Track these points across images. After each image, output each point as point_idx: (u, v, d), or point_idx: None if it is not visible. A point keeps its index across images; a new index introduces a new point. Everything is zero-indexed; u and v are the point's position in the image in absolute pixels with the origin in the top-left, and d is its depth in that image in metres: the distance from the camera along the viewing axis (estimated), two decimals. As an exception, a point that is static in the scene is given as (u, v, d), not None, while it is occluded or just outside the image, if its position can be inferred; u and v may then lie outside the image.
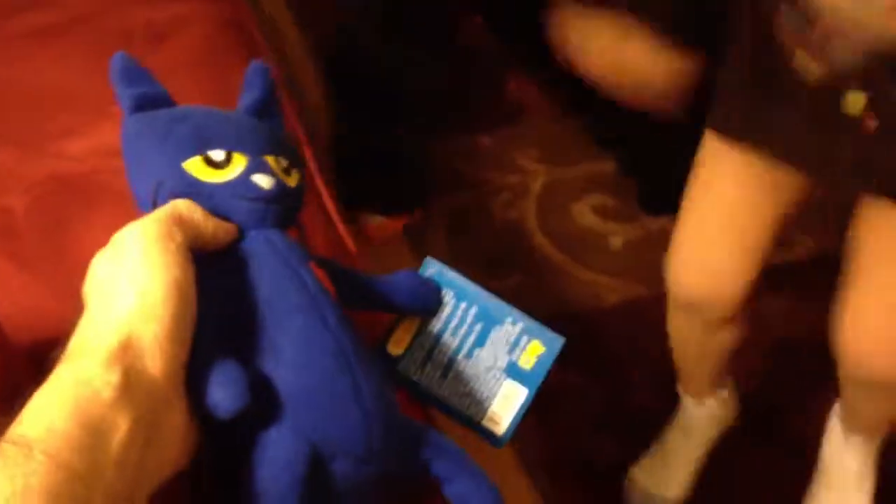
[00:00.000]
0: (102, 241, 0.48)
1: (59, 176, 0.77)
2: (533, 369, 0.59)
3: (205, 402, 0.44)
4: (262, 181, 0.53)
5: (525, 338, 0.59)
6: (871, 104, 0.94)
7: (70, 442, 0.37)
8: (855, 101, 0.95)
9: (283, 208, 0.54)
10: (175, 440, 0.43)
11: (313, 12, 1.66)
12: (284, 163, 0.56)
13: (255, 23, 1.19)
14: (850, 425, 1.32)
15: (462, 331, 0.59)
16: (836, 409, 1.35)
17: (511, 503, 0.53)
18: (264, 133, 0.56)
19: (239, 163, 0.53)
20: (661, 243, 2.00)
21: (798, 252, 1.91)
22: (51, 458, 0.35)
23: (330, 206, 0.89)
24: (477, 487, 0.53)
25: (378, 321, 0.60)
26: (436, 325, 0.59)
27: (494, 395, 0.59)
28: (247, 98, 0.60)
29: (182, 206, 0.49)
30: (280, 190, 0.54)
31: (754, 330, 1.32)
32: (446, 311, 0.59)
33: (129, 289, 0.43)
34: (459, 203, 2.07)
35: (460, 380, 0.59)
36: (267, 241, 0.52)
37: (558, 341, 0.60)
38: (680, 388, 1.46)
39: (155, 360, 0.42)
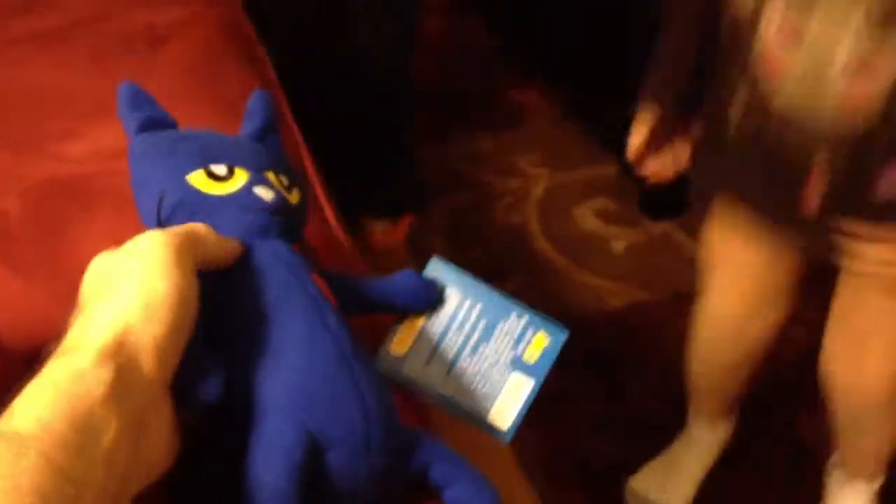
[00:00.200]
0: (99, 245, 0.48)
1: (56, 178, 0.76)
2: (538, 362, 0.59)
3: (188, 393, 0.45)
4: (264, 193, 0.55)
5: (530, 331, 0.60)
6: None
7: (61, 439, 0.36)
8: None
9: (286, 220, 0.56)
10: (161, 443, 0.43)
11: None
12: (285, 180, 0.58)
13: (253, 26, 1.19)
14: (849, 471, 1.35)
15: (466, 328, 0.60)
16: (835, 458, 1.39)
17: (510, 506, 0.53)
18: (265, 153, 0.59)
19: (241, 177, 0.55)
20: (663, 247, 2.01)
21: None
22: (42, 456, 0.35)
23: (331, 216, 0.89)
24: (476, 492, 0.53)
25: (380, 324, 0.60)
26: (440, 323, 0.60)
27: (500, 390, 0.59)
28: (248, 125, 0.63)
29: (199, 227, 0.50)
30: (281, 202, 0.56)
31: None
32: (451, 308, 0.60)
33: (135, 288, 0.43)
34: (461, 206, 2.07)
35: (465, 377, 0.59)
36: (274, 251, 0.53)
37: (563, 333, 0.60)
38: (691, 411, 1.49)
39: (150, 362, 0.42)
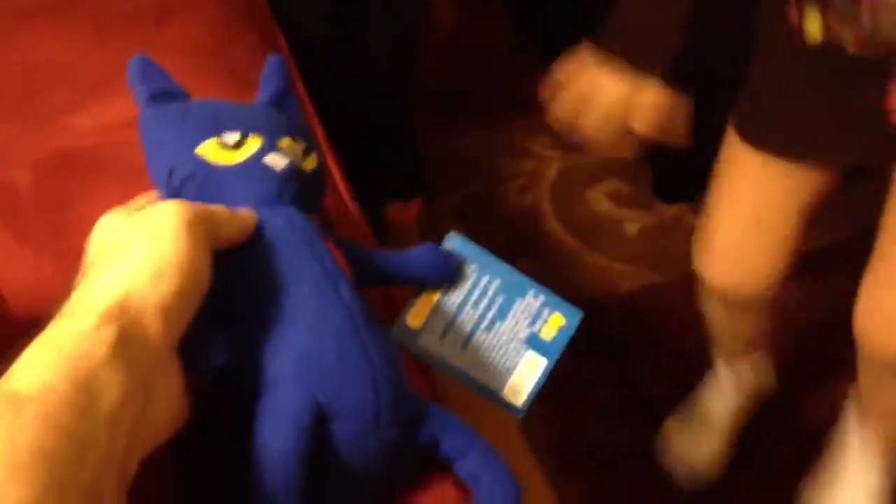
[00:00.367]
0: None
1: (63, 151, 0.76)
2: (553, 341, 0.60)
3: (194, 358, 0.45)
4: (276, 161, 0.54)
5: (547, 310, 0.60)
6: None
7: (63, 399, 0.36)
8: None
9: (300, 187, 0.55)
10: (169, 406, 0.43)
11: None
12: (302, 146, 0.57)
13: (265, 1, 1.18)
14: (865, 413, 1.32)
15: (483, 303, 0.60)
16: (852, 396, 1.35)
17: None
18: (281, 119, 0.58)
19: (253, 144, 0.54)
20: (675, 230, 2.00)
21: (811, 241, 1.89)
22: (42, 416, 0.34)
23: (343, 190, 0.88)
24: (488, 464, 0.52)
25: (396, 298, 0.60)
26: (457, 297, 0.60)
27: (515, 367, 0.59)
28: (264, 92, 0.62)
29: (216, 208, 0.50)
30: (294, 170, 0.55)
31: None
32: (468, 283, 0.60)
33: (144, 251, 0.43)
34: (473, 189, 2.06)
35: (481, 351, 0.59)
36: (287, 219, 0.53)
37: (578, 314, 0.61)
38: (713, 353, 1.48)
39: (155, 324, 0.41)
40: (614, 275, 1.85)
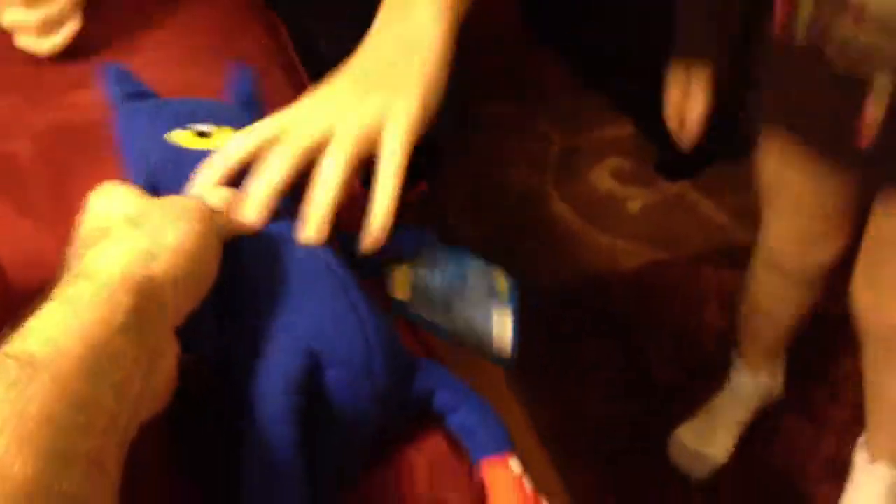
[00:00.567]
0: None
1: (65, 124, 0.76)
2: (508, 292, 0.64)
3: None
4: None
5: (489, 268, 0.65)
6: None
7: (77, 364, 0.35)
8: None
9: None
10: (165, 382, 0.43)
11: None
12: None
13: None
14: (875, 447, 1.35)
15: (448, 270, 0.63)
16: (862, 438, 1.39)
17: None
18: (253, 118, 0.59)
19: (226, 134, 0.57)
20: (678, 207, 2.00)
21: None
22: (54, 383, 0.34)
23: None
24: (482, 419, 0.53)
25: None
26: (424, 268, 0.62)
27: (491, 321, 0.62)
28: (235, 96, 0.66)
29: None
30: None
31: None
32: (425, 255, 0.63)
33: (171, 231, 0.44)
34: (477, 168, 2.06)
35: (463, 312, 0.61)
36: None
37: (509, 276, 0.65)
38: (736, 356, 1.50)
39: (173, 300, 0.43)
40: (617, 252, 1.85)
